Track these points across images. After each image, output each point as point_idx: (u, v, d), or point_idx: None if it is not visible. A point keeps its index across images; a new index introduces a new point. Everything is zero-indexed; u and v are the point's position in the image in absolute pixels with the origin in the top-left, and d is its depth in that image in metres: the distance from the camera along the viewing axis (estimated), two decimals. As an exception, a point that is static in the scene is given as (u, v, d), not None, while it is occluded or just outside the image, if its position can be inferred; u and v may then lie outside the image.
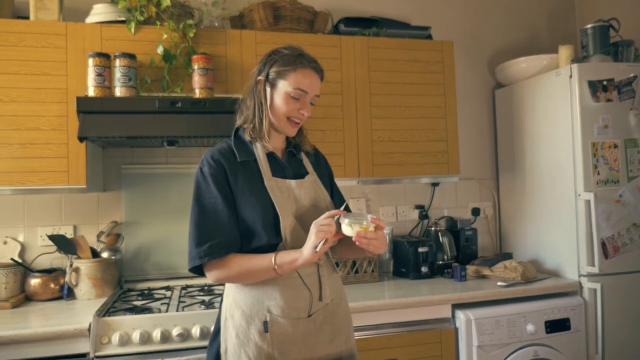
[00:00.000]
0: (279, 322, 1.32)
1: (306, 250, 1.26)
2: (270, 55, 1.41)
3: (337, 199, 1.54)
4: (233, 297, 1.37)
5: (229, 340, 1.35)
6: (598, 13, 2.79)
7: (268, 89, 1.39)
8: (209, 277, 1.34)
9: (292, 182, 1.40)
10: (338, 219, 1.29)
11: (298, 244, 1.33)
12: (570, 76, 2.32)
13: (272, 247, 1.33)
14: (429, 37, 2.53)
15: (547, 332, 2.12)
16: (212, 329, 1.47)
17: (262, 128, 1.39)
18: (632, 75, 2.34)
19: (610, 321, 2.23)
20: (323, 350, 1.36)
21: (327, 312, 1.39)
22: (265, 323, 1.32)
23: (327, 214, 1.29)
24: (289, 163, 1.46)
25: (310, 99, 1.40)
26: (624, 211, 2.30)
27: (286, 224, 1.33)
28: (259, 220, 1.33)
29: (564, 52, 2.46)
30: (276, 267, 1.28)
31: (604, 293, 2.21)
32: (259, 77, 1.40)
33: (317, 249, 1.24)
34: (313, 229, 1.26)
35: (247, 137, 1.41)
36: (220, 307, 1.42)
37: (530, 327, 2.09)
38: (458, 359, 2.08)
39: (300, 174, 1.46)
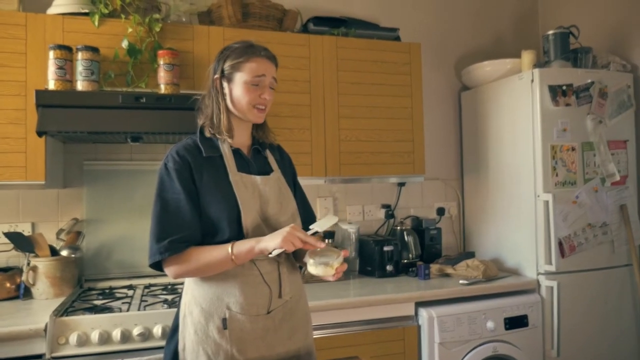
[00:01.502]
0: (237, 318, 1.32)
1: (264, 243, 1.27)
2: (222, 52, 1.44)
3: (300, 199, 1.55)
4: (192, 294, 1.36)
5: (187, 338, 1.34)
6: (559, 20, 2.89)
7: (225, 84, 1.41)
8: (168, 273, 1.32)
9: (257, 178, 1.41)
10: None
11: None
12: (532, 80, 2.39)
13: None
14: (397, 38, 2.57)
15: (506, 329, 2.19)
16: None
17: (221, 124, 1.40)
18: (589, 81, 2.43)
19: (565, 317, 2.31)
20: (282, 347, 1.37)
21: (286, 309, 1.40)
22: (224, 320, 1.31)
23: (303, 234, 1.28)
24: (254, 159, 1.46)
25: (269, 83, 1.42)
26: (579, 212, 2.39)
27: (248, 220, 1.33)
28: (223, 216, 1.33)
29: (527, 57, 2.54)
30: (233, 257, 1.28)
31: (560, 290, 2.29)
32: (215, 76, 1.42)
33: (272, 254, 1.25)
34: (285, 232, 1.25)
35: (207, 133, 1.42)
36: (179, 305, 1.41)
37: (490, 324, 2.14)
38: (420, 356, 2.11)
39: (265, 171, 1.47)
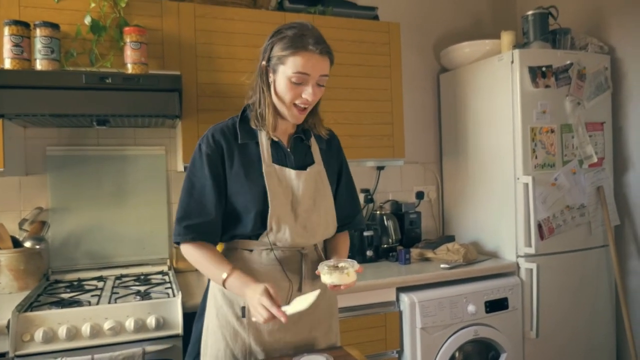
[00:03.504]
0: None
1: (248, 298, 1.21)
2: (273, 35, 1.30)
3: (343, 191, 1.47)
4: None
5: (210, 320, 1.35)
6: (538, 0, 2.86)
7: (271, 75, 1.30)
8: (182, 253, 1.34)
9: (292, 172, 1.33)
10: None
11: (283, 236, 1.29)
12: (512, 62, 2.35)
13: (256, 236, 1.31)
14: (376, 17, 2.49)
15: (487, 312, 2.18)
16: (196, 310, 1.48)
17: (265, 120, 1.31)
18: (568, 62, 2.42)
19: (544, 299, 2.33)
20: (300, 339, 1.35)
21: None
22: (242, 308, 1.30)
23: (266, 307, 1.15)
24: (294, 150, 1.37)
25: (316, 80, 1.28)
26: (558, 194, 2.39)
27: (274, 214, 1.28)
28: (250, 207, 1.29)
29: (506, 37, 2.50)
30: (226, 285, 1.26)
31: (540, 272, 2.30)
32: (262, 62, 1.30)
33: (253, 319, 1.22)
34: (255, 303, 1.17)
35: (252, 125, 1.33)
36: (207, 286, 1.41)
37: (471, 308, 2.13)
38: (402, 341, 2.09)
39: (304, 164, 1.37)
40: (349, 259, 1.29)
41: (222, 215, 1.31)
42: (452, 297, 2.11)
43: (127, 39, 1.86)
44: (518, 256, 2.36)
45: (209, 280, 1.40)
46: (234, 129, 1.33)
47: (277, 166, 1.32)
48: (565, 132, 2.41)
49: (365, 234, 2.40)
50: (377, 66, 2.38)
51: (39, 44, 1.76)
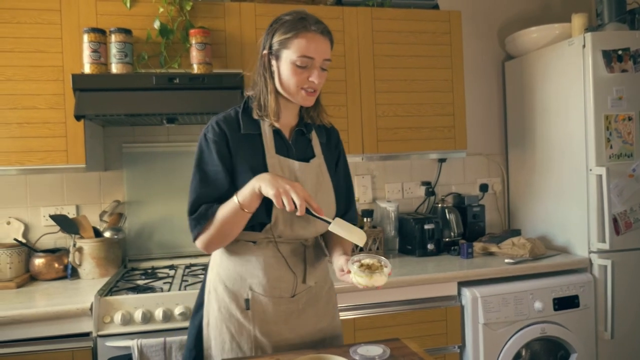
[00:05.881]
0: (260, 300, 1.30)
1: (264, 187, 1.20)
2: (272, 25, 1.31)
3: (340, 184, 1.44)
4: (217, 272, 1.35)
5: (211, 314, 1.33)
6: (614, -21, 2.66)
7: (274, 62, 1.29)
8: (199, 246, 1.30)
9: (296, 164, 1.32)
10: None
11: (288, 227, 1.28)
12: (584, 46, 2.22)
13: (261, 225, 1.29)
14: (436, 7, 2.44)
15: (555, 310, 2.09)
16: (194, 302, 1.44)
17: (269, 107, 1.30)
18: (648, 44, 2.24)
19: (620, 298, 2.19)
20: (306, 331, 1.34)
21: (310, 295, 1.36)
22: (247, 300, 1.30)
23: (302, 197, 1.18)
24: (295, 142, 1.36)
25: (320, 64, 1.28)
26: (637, 186, 2.23)
27: (279, 208, 1.25)
28: None
29: (578, 20, 2.36)
30: (239, 203, 1.22)
31: (615, 270, 2.16)
32: (264, 52, 1.31)
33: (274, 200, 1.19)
34: (283, 187, 1.18)
35: (254, 115, 1.33)
36: (204, 281, 1.40)
37: (537, 305, 2.05)
38: (464, 336, 2.06)
39: (306, 156, 1.37)
40: (381, 257, 1.24)
41: None
42: (516, 293, 2.04)
43: (193, 41, 1.96)
44: (590, 252, 2.23)
45: (205, 276, 1.40)
46: (236, 119, 1.32)
47: (280, 157, 1.31)
48: (645, 119, 2.24)
49: (426, 227, 2.37)
50: (437, 56, 2.34)
51: (114, 49, 1.90)
